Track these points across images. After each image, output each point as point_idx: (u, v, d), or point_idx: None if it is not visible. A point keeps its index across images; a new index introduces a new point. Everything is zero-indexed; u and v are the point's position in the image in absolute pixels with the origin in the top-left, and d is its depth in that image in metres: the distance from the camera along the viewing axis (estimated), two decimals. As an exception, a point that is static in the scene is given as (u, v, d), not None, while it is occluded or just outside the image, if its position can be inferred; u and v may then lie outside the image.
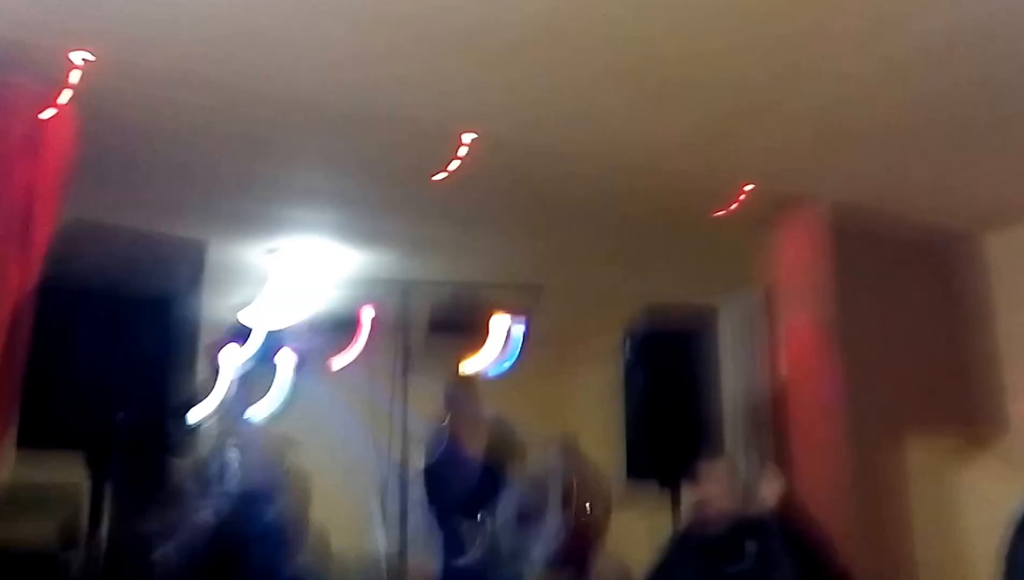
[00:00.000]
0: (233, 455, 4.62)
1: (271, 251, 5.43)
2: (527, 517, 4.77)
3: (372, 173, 4.95)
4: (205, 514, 4.50)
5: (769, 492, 3.75)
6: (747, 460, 4.11)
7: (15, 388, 3.53)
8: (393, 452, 4.75)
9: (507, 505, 4.85)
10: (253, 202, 5.21)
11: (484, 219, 5.47)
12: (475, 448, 5.07)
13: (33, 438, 3.52)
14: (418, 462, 4.72)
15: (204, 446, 4.36)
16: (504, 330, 5.32)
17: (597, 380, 5.79)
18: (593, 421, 5.57)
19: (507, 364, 5.33)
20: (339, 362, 5.45)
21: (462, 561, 4.74)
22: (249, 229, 5.53)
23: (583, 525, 4.61)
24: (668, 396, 5.04)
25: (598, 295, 6.30)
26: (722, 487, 3.90)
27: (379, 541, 4.54)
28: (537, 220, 5.51)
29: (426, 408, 4.99)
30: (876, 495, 4.94)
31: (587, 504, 4.68)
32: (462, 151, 4.40)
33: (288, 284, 5.47)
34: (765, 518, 3.72)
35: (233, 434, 4.61)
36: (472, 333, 5.20)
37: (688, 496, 4.36)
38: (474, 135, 4.36)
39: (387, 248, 5.85)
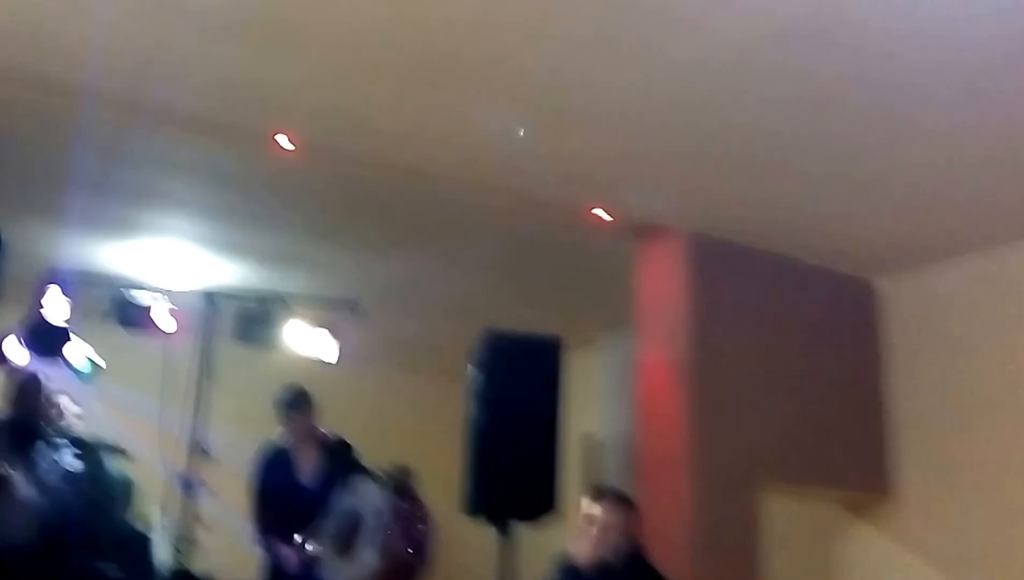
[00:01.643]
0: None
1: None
2: (348, 543, 4.53)
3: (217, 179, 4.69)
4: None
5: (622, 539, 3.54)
6: (606, 503, 3.79)
7: None
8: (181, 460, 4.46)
9: (328, 529, 4.64)
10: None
11: (325, 231, 5.23)
12: (308, 468, 4.84)
13: None
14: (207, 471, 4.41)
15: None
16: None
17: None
18: (442, 448, 5.27)
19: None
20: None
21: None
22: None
23: (401, 560, 4.36)
24: (509, 431, 4.69)
25: (454, 313, 6.04)
26: (592, 530, 3.58)
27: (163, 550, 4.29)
28: (391, 236, 5.27)
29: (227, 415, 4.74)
30: (730, 550, 4.58)
31: (410, 539, 4.41)
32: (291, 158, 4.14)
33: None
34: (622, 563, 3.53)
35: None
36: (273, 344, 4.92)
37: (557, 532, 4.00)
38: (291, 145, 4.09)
39: (240, 258, 5.61)
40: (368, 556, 4.41)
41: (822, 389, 5.03)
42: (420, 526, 4.53)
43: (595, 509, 3.60)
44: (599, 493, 3.70)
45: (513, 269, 5.70)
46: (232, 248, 5.61)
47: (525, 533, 4.21)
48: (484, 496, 4.59)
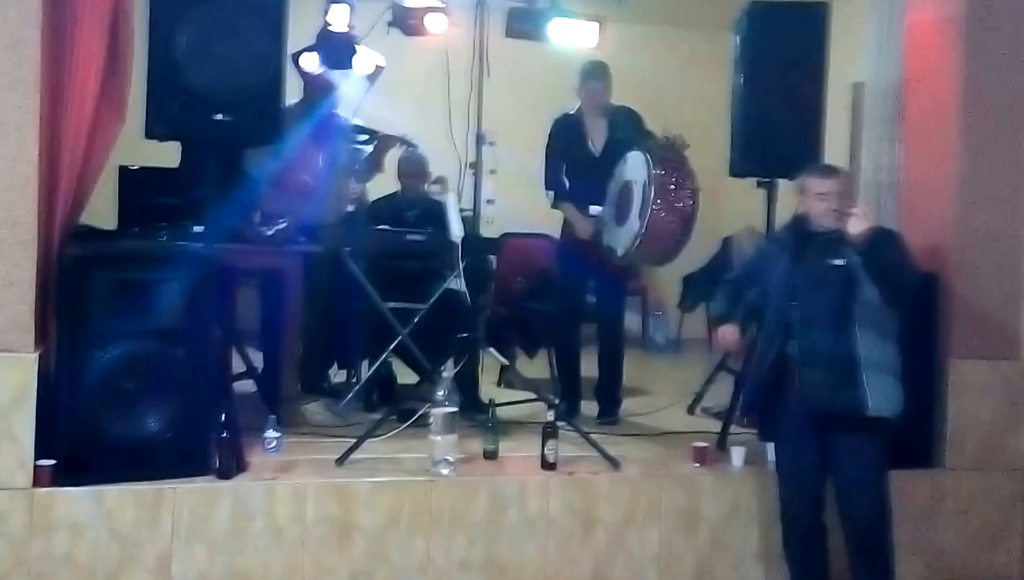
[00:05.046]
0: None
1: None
2: (623, 212, 4.96)
3: None
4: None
5: (857, 228, 3.66)
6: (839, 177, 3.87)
7: (125, 81, 3.99)
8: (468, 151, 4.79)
9: (611, 196, 5.13)
10: None
11: None
12: (598, 137, 5.30)
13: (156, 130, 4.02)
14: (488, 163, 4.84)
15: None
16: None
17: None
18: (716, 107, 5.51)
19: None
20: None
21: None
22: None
23: (665, 230, 4.79)
24: (773, 96, 4.89)
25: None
26: (825, 203, 3.83)
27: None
28: None
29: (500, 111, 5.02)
30: (998, 199, 4.61)
31: (675, 211, 4.79)
32: None
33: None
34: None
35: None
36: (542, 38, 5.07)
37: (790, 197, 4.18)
38: None
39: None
40: (633, 223, 4.83)
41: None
42: (686, 200, 4.80)
43: (828, 185, 3.84)
44: (829, 169, 3.97)
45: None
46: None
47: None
48: (749, 157, 4.88)
